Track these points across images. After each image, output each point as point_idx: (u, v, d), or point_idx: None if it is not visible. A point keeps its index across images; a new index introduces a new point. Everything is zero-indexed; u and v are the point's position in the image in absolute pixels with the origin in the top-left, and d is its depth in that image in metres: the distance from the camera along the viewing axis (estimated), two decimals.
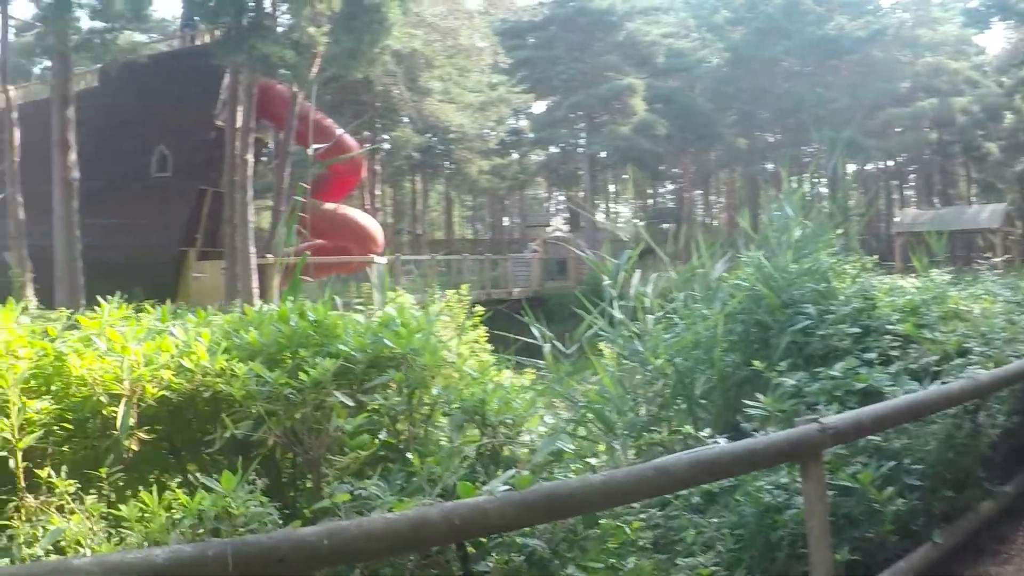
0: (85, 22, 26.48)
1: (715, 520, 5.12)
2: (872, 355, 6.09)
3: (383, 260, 33.62)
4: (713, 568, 4.75)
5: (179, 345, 4.69)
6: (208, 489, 3.56)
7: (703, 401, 6.00)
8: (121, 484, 4.27)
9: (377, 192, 50.21)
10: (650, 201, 79.63)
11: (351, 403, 4.55)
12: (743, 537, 4.96)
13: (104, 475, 4.14)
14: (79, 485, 4.05)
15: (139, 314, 5.45)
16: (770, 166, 64.90)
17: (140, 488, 3.88)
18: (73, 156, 26.76)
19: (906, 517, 5.15)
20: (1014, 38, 66.24)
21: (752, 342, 6.16)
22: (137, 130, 31.19)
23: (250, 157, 27.73)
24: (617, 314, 6.34)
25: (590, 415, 5.94)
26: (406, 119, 45.98)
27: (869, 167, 74.71)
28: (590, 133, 62.84)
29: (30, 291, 28.15)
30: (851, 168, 66.01)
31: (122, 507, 3.67)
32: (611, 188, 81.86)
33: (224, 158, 28.87)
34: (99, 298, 5.24)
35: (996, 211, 49.66)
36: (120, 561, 2.63)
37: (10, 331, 4.25)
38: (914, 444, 5.54)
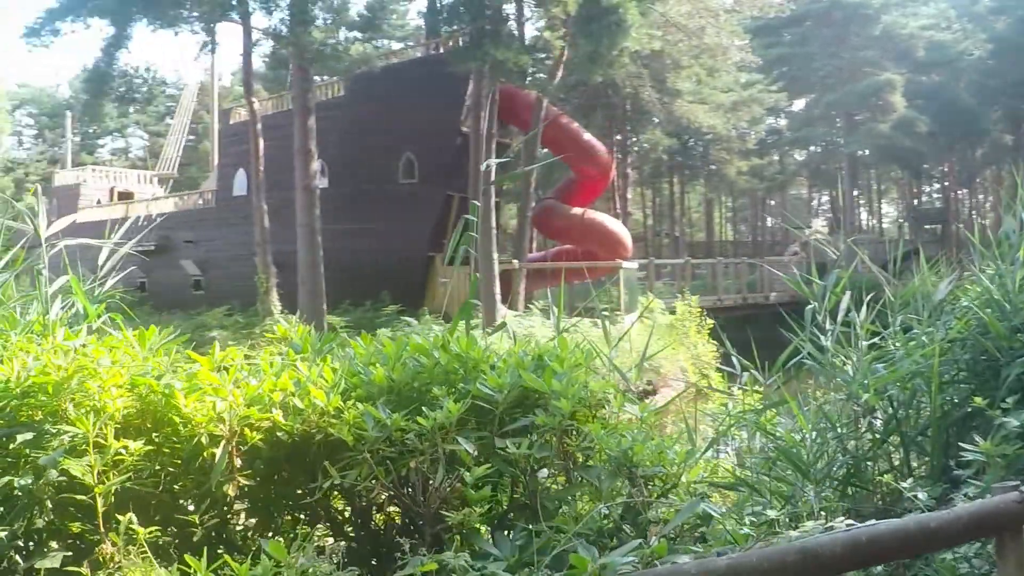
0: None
1: None
2: None
3: (631, 265, 33.09)
4: None
5: (303, 382, 4.23)
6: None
7: (921, 438, 5.08)
8: (212, 534, 3.91)
9: (629, 196, 49.59)
10: (915, 201, 75.68)
11: (473, 451, 3.96)
12: None
13: (196, 521, 3.80)
14: (173, 531, 3.79)
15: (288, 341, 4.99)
16: None
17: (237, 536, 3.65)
18: (315, 165, 27.43)
19: None
20: None
21: (977, 374, 5.20)
22: (384, 137, 31.76)
23: (492, 162, 27.65)
24: (825, 340, 5.48)
25: (780, 458, 5.14)
26: (657, 121, 45.26)
27: None
28: (849, 131, 60.33)
29: (274, 295, 29.15)
30: None
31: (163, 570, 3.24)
32: (874, 187, 78.35)
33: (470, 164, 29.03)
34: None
35: None
36: None
37: (113, 369, 3.93)
38: None
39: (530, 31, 29.77)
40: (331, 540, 4.27)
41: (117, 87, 28.26)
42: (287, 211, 30.98)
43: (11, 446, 3.76)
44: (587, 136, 33.84)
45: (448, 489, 3.94)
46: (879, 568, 4.11)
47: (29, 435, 3.75)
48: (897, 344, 5.44)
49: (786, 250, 54.02)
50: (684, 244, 62.10)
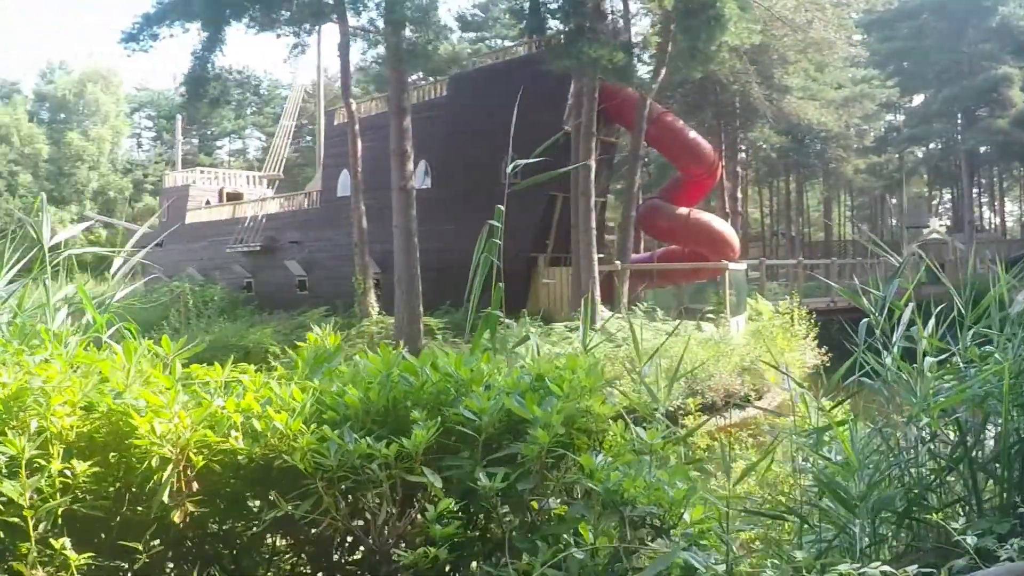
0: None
1: None
2: None
3: (738, 266, 32.35)
4: None
5: (274, 400, 3.90)
6: None
7: (994, 466, 4.48)
8: (148, 562, 3.62)
9: (742, 195, 48.58)
10: None
11: (438, 483, 3.59)
12: None
13: (140, 549, 3.55)
14: (111, 561, 3.54)
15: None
16: None
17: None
18: (410, 166, 27.23)
19: None
20: None
21: None
22: (486, 136, 31.50)
23: (592, 162, 27.21)
24: (888, 357, 4.93)
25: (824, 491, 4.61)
26: (766, 119, 44.22)
27: None
28: (967, 127, 58.40)
29: (372, 296, 29.11)
30: None
31: None
32: (996, 185, 75.70)
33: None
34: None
35: None
36: None
37: (64, 386, 3.65)
38: None
39: (637, 29, 29.10)
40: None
41: (213, 90, 28.26)
42: (390, 212, 31.01)
43: None
44: (692, 134, 33.11)
45: (409, 525, 3.59)
46: None
47: None
48: (969, 361, 4.87)
49: (905, 249, 52.37)
50: (800, 244, 60.85)
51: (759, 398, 25.99)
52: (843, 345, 5.69)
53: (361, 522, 3.79)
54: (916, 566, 3.43)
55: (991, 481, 4.52)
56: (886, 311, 5.31)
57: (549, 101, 30.59)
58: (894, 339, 5.17)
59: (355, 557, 4.07)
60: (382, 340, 27.32)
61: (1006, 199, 79.74)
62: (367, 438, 3.61)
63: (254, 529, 3.91)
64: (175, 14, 26.19)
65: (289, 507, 3.65)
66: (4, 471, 3.42)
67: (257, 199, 43.01)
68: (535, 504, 3.99)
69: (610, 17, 26.84)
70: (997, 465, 4.42)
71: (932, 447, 4.78)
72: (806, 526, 4.75)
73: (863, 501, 4.19)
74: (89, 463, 3.53)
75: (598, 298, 27.37)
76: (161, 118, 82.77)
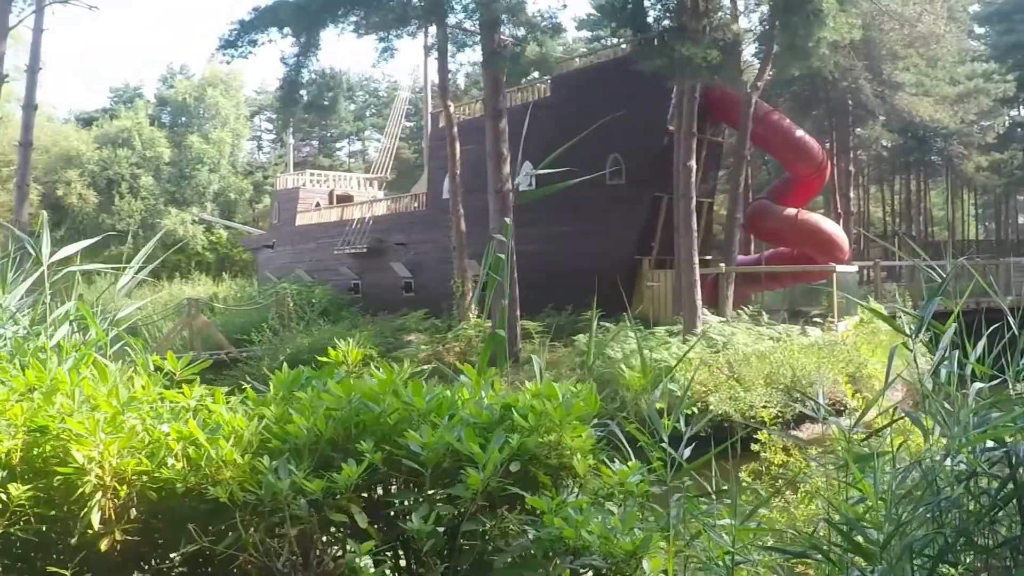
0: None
1: None
2: None
3: (847, 268, 31.48)
4: None
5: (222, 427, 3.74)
6: None
7: None
8: None
9: (855, 195, 47.27)
10: None
11: (362, 521, 3.40)
12: None
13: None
14: None
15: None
16: None
17: None
18: (507, 168, 27.06)
19: None
20: None
21: None
22: (590, 138, 31.19)
23: (692, 163, 26.69)
24: (929, 383, 4.47)
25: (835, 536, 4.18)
26: (877, 116, 42.95)
27: None
28: None
29: (470, 299, 29.03)
30: None
31: None
32: None
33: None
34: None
35: None
36: None
37: (12, 411, 3.58)
38: None
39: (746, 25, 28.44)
40: None
41: (308, 95, 28.55)
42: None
43: None
44: (799, 133, 32.25)
45: (331, 566, 3.47)
46: None
47: None
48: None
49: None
50: (921, 244, 59.00)
51: (865, 406, 25.18)
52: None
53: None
54: None
55: None
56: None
57: (653, 101, 30.16)
58: (935, 360, 4.75)
59: None
60: (479, 343, 27.31)
61: None
62: (298, 471, 3.48)
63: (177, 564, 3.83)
64: (270, 21, 26.46)
65: (205, 541, 3.55)
66: None
67: (365, 201, 43.37)
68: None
69: (716, 15, 26.15)
70: None
71: (972, 485, 4.35)
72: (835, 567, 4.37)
73: (885, 547, 3.81)
74: (28, 487, 3.52)
75: (698, 302, 26.81)
76: (280, 120, 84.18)
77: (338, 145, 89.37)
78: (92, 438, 3.53)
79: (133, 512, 3.63)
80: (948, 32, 37.73)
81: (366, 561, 3.62)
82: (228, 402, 4.16)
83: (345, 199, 46.23)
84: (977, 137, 53.68)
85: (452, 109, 30.52)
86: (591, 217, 30.97)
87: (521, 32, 25.91)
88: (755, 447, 8.69)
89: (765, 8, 26.12)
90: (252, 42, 27.68)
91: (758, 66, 32.26)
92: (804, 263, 31.59)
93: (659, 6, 25.30)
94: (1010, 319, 4.74)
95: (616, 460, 4.41)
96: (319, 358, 4.96)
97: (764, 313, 29.38)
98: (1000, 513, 4.22)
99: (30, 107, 30.70)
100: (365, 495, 3.89)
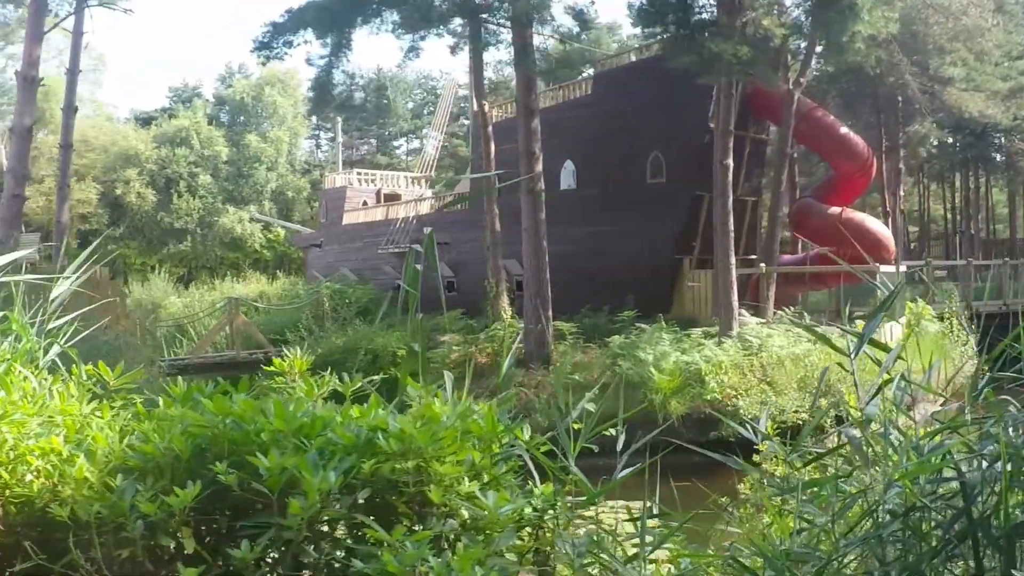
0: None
1: None
2: None
3: (892, 268, 30.82)
4: None
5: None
6: None
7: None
8: None
9: (901, 192, 46.29)
10: None
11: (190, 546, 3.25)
12: None
13: None
14: None
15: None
16: None
17: None
18: (539, 167, 26.83)
19: None
20: None
21: None
22: (631, 135, 30.88)
23: (730, 161, 26.24)
24: (872, 408, 4.08)
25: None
26: (927, 112, 41.93)
27: None
28: None
29: (505, 300, 28.83)
30: None
31: None
32: None
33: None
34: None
35: None
36: None
37: None
38: None
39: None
40: None
41: (340, 95, 28.60)
42: (545, 211, 30.74)
43: None
44: (843, 130, 31.63)
45: None
46: None
47: None
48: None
49: None
50: (979, 243, 57.78)
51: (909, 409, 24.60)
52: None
53: None
54: None
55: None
56: None
57: (695, 97, 29.75)
58: (878, 377, 4.44)
59: None
60: (512, 344, 27.09)
61: None
62: (147, 490, 3.45)
63: None
64: (301, 22, 26.48)
65: (41, 559, 3.49)
66: None
67: (411, 200, 43.39)
68: None
69: (750, 13, 25.65)
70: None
71: (923, 518, 3.98)
72: None
73: None
74: None
75: (735, 303, 26.37)
76: (338, 118, 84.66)
77: (396, 143, 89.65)
78: None
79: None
80: (995, 25, 36.86)
81: None
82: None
83: (393, 198, 46.32)
84: None
85: (488, 107, 30.40)
86: (631, 216, 30.68)
87: (547, 30, 25.69)
88: (756, 457, 8.40)
89: (801, 3, 25.50)
90: (288, 43, 27.73)
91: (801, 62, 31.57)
92: (849, 263, 30.92)
93: (689, 2, 24.85)
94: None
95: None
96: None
97: (806, 315, 28.84)
98: (956, 550, 3.86)
99: (69, 109, 31.07)
100: (218, 517, 3.74)
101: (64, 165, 30.98)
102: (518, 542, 4.00)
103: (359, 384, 4.93)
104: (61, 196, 30.44)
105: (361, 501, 3.71)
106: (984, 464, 3.74)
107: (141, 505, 3.39)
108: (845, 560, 3.86)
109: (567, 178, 33.09)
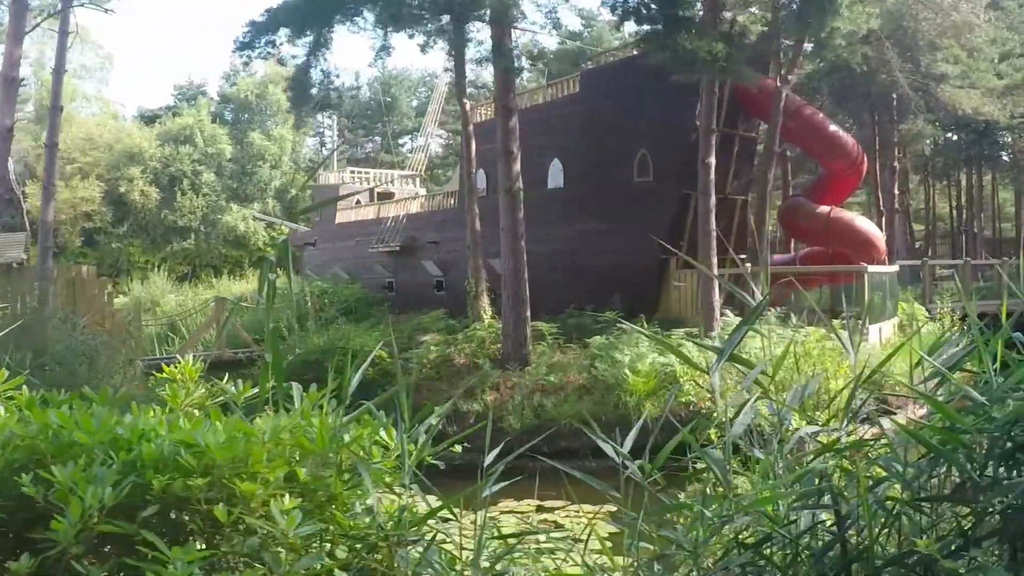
0: None
1: None
2: None
3: (883, 268, 30.48)
4: None
5: None
6: None
7: None
8: None
9: (896, 191, 45.67)
10: None
11: None
12: None
13: None
14: None
15: None
16: None
17: None
18: (517, 167, 26.56)
19: None
20: None
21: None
22: (618, 134, 30.58)
23: (712, 160, 25.95)
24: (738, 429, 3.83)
25: None
26: (921, 109, 41.31)
27: None
28: None
29: (485, 300, 28.61)
30: None
31: None
32: None
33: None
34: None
35: None
36: None
37: None
38: None
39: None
40: None
41: (318, 94, 28.41)
42: (533, 210, 30.46)
43: None
44: (832, 128, 31.25)
45: None
46: None
47: None
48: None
49: None
50: (983, 241, 57.21)
51: (893, 412, 24.29)
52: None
53: None
54: None
55: None
56: None
57: (682, 95, 29.42)
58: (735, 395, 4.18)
59: None
60: (491, 345, 26.90)
61: None
62: None
63: None
64: (278, 22, 26.25)
65: None
66: None
67: (402, 199, 43.21)
68: None
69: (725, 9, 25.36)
70: None
71: (765, 549, 3.71)
72: None
73: None
74: None
75: (716, 303, 26.10)
76: (343, 117, 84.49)
77: (400, 141, 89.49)
78: None
79: None
80: (987, 22, 36.35)
81: None
82: None
83: (386, 196, 46.15)
84: None
85: (469, 107, 30.22)
86: (618, 215, 30.40)
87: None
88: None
89: None
90: (271, 43, 27.54)
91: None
92: (839, 262, 30.59)
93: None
94: None
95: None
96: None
97: (793, 315, 28.49)
98: None
99: (55, 109, 30.82)
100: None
101: (49, 164, 30.70)
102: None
103: (249, 392, 4.72)
104: (46, 196, 30.18)
105: (148, 516, 3.53)
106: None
107: None
108: None
109: (555, 177, 32.84)
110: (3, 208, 27.75)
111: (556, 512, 16.09)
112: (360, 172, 50.55)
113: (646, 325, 25.89)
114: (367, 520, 3.95)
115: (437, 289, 36.80)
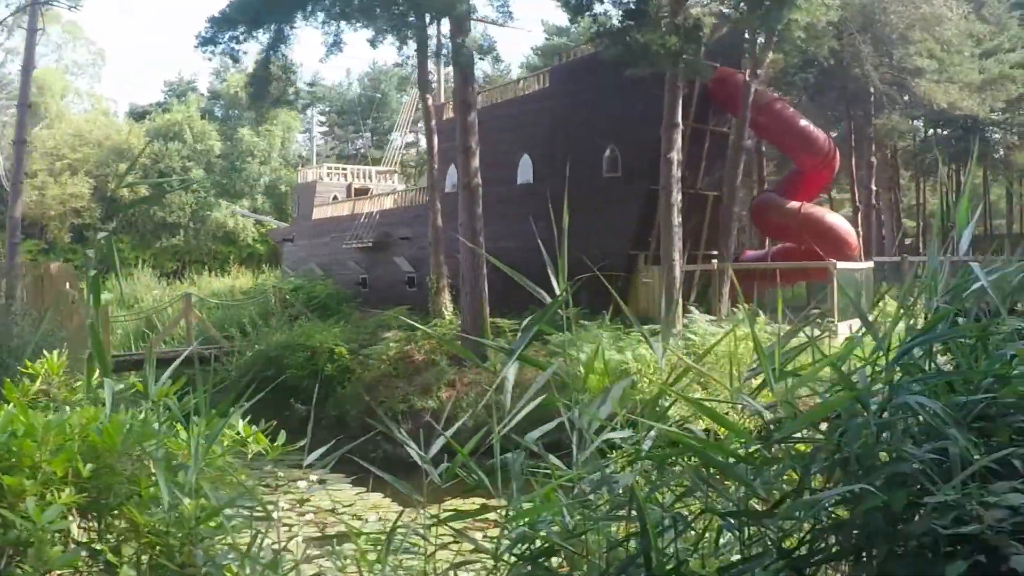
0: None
1: None
2: None
3: (853, 265, 30.14)
4: None
5: None
6: None
7: None
8: None
9: (873, 187, 45.16)
10: None
11: None
12: None
13: None
14: None
15: None
16: None
17: None
18: (475, 163, 26.32)
19: None
20: None
21: None
22: (587, 130, 30.34)
23: (674, 155, 25.68)
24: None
25: None
26: (895, 103, 40.86)
27: None
28: None
29: (446, 296, 28.42)
30: None
31: None
32: None
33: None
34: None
35: None
36: None
37: None
38: None
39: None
40: None
41: (276, 90, 28.27)
42: (502, 206, 30.25)
43: None
44: (803, 123, 30.89)
45: None
46: None
47: None
48: None
49: None
50: (981, 237, 56.63)
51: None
52: None
53: None
54: None
55: None
56: None
57: (650, 90, 29.16)
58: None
59: None
60: (450, 341, 26.68)
61: None
62: None
63: None
64: (236, 18, 25.97)
65: None
66: None
67: (376, 195, 42.99)
68: None
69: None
70: None
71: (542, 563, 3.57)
72: None
73: None
74: None
75: (679, 299, 25.86)
76: (333, 113, 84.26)
77: (391, 137, 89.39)
78: None
79: None
80: (962, 17, 36.01)
81: None
82: None
83: (362, 192, 45.93)
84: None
85: (431, 102, 30.02)
86: (586, 211, 30.14)
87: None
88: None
89: None
90: (234, 39, 27.27)
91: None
92: (811, 259, 30.27)
93: None
94: None
95: None
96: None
97: (761, 312, 28.21)
98: None
99: (24, 106, 30.77)
100: None
101: (17, 161, 30.62)
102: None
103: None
104: (14, 192, 30.08)
105: None
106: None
107: None
108: None
109: (524, 172, 32.61)
110: None
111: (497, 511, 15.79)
112: (337, 168, 50.30)
113: (608, 323, 25.72)
114: (161, 516, 3.92)
115: (409, 285, 36.60)
